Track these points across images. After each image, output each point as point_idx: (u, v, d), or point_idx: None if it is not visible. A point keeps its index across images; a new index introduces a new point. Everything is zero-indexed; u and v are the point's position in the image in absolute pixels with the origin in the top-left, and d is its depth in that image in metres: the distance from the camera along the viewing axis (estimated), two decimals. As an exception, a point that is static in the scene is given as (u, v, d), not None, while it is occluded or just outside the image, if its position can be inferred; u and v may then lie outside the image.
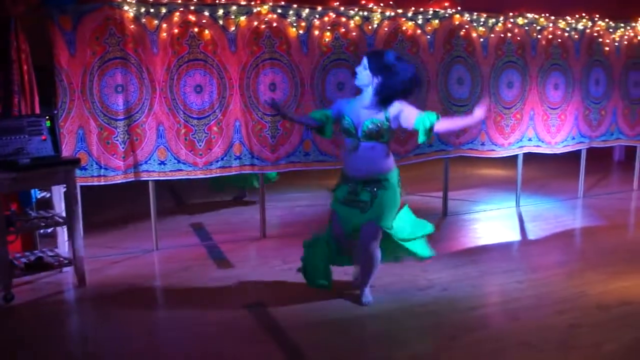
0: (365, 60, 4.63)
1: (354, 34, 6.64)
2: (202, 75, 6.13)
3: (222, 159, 6.36)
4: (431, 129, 4.58)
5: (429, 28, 7.02)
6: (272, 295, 5.17)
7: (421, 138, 4.65)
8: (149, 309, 4.99)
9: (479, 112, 4.66)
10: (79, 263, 5.38)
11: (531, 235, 6.97)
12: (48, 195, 5.81)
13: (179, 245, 6.52)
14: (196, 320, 4.71)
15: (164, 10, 5.93)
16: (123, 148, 6.00)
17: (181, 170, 6.24)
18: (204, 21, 6.07)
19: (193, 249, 6.44)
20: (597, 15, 8.28)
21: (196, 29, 6.04)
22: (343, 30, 6.59)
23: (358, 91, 4.79)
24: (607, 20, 8.35)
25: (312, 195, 8.71)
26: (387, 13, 6.80)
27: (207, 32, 6.08)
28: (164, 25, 5.93)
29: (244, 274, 5.67)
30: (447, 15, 7.14)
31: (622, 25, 8.49)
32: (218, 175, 6.50)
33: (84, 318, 5.01)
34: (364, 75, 4.62)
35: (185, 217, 7.70)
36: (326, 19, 6.53)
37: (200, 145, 6.25)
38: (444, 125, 4.74)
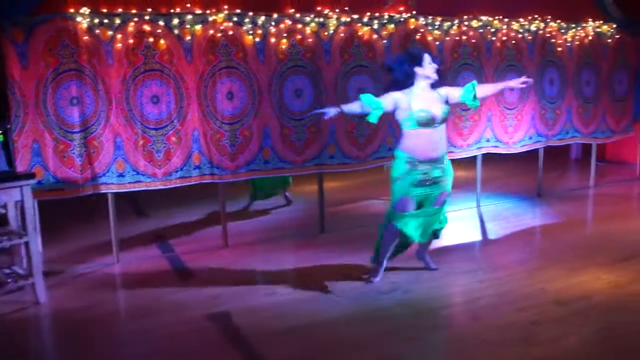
0: (429, 56, 5.21)
1: (310, 40, 6.65)
2: (158, 86, 6.09)
3: (181, 169, 6.32)
4: (475, 95, 5.20)
5: (385, 33, 7.08)
6: (236, 305, 5.14)
7: (473, 103, 5.27)
8: (111, 324, 4.92)
9: (516, 81, 5.21)
10: (37, 279, 5.28)
11: (491, 235, 7.06)
12: (3, 211, 5.70)
13: (140, 258, 6.45)
14: (159, 333, 4.66)
15: (118, 21, 5.88)
16: (80, 161, 5.93)
17: (140, 181, 6.19)
18: (159, 31, 6.04)
19: (155, 261, 6.38)
20: (549, 17, 8.44)
21: (151, 39, 6.00)
22: (299, 37, 6.61)
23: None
24: (559, 21, 8.52)
25: (274, 202, 8.71)
26: (343, 19, 6.83)
27: (162, 42, 6.05)
28: (119, 36, 5.89)
29: (207, 284, 5.63)
30: (402, 19, 7.20)
31: (573, 26, 8.66)
32: (190, 184, 6.44)
33: (42, 336, 4.91)
34: (432, 68, 5.18)
35: (147, 228, 7.63)
36: (282, 26, 6.54)
37: (159, 156, 6.20)
38: (482, 90, 5.30)
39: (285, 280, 5.65)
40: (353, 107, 5.25)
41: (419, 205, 5.36)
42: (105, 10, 5.87)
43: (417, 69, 5.19)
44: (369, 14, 7.02)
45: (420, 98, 5.17)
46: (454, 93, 5.29)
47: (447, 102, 5.27)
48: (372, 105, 5.17)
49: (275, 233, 7.30)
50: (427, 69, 5.18)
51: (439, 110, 5.16)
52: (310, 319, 4.82)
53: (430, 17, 7.42)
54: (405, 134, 5.25)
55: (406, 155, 5.24)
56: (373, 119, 5.25)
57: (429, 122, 5.13)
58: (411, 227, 5.30)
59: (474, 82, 5.27)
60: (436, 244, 6.68)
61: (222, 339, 4.57)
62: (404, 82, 5.25)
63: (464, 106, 7.60)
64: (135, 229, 7.59)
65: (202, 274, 5.92)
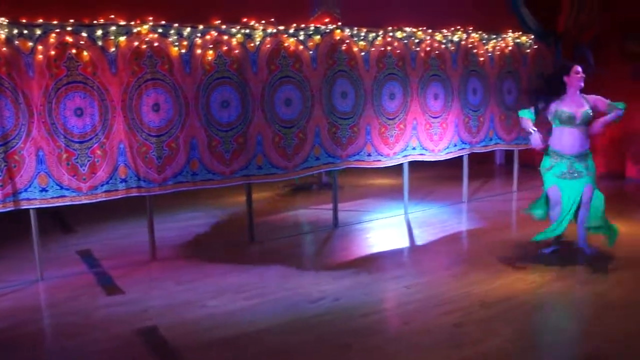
0: (577, 67, 6.08)
1: (236, 51, 6.66)
2: (82, 98, 5.98)
3: (107, 182, 6.22)
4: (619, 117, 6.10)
5: (311, 44, 7.15)
6: (166, 318, 5.09)
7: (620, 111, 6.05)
8: (37, 344, 4.77)
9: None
10: (-44, 299, 5.10)
11: (419, 241, 7.20)
12: None
13: (65, 274, 6.29)
14: (89, 350, 4.57)
15: (38, 32, 5.76)
16: (0, 176, 5.76)
17: (64, 196, 6.06)
18: (82, 42, 5.94)
19: (81, 277, 6.23)
20: (471, 28, 8.69)
21: (74, 51, 5.90)
22: (225, 48, 6.61)
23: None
24: (480, 32, 8.79)
25: (203, 214, 8.67)
26: (269, 30, 6.87)
27: (85, 53, 5.95)
28: (40, 47, 5.76)
29: (135, 299, 5.55)
30: (328, 30, 7.29)
31: (494, 37, 8.95)
32: (116, 198, 6.34)
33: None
34: (579, 78, 6.08)
35: (72, 243, 7.46)
36: (208, 37, 6.53)
37: (83, 170, 6.08)
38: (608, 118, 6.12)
39: (215, 292, 5.62)
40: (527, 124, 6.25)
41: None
42: (25, 21, 5.74)
43: (566, 78, 6.09)
44: (295, 25, 7.09)
45: (566, 101, 6.07)
46: (601, 105, 6.09)
47: (591, 108, 6.04)
48: (531, 118, 6.22)
49: (204, 245, 7.25)
50: (574, 78, 6.05)
51: (580, 112, 5.97)
52: (240, 330, 4.81)
53: (355, 28, 7.54)
54: (552, 132, 6.22)
55: (552, 150, 6.18)
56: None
57: (570, 122, 6.00)
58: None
59: (623, 104, 6.04)
60: (365, 251, 6.81)
61: (153, 354, 4.51)
62: (558, 89, 6.15)
63: (391, 115, 7.78)
64: (60, 244, 7.40)
65: (130, 289, 5.82)
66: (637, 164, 10.22)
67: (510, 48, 9.16)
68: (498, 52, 9.00)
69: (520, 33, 9.34)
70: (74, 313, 5.28)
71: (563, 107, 6.06)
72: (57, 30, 5.82)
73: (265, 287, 5.71)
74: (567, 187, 6.13)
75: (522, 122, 6.32)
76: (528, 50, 9.40)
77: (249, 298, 5.44)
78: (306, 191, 10.20)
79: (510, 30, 9.23)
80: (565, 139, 6.09)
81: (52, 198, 6.00)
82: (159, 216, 7.59)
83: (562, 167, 6.12)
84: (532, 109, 6.26)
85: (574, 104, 6.05)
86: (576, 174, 6.09)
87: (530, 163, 11.67)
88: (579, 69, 6.10)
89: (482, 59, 8.82)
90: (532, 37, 9.43)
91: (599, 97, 6.15)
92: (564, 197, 6.17)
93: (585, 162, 6.10)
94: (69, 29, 5.87)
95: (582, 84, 6.10)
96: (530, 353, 4.37)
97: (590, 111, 6.03)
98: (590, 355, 4.31)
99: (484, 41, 8.85)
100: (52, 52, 5.81)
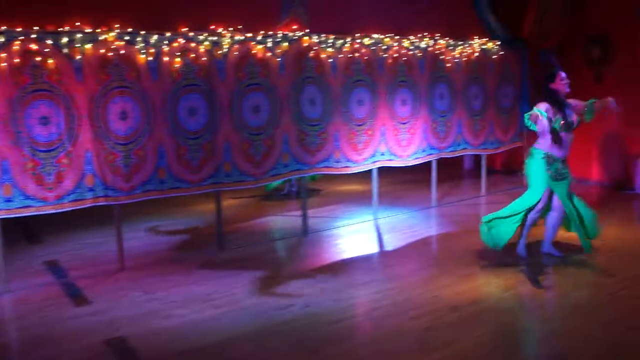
0: (564, 75, 6.31)
1: (204, 59, 6.65)
2: (47, 106, 5.91)
3: (74, 191, 6.14)
4: (593, 109, 6.28)
5: (279, 51, 7.16)
6: (133, 328, 5.04)
7: (588, 117, 6.33)
8: (4, 358, 4.70)
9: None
10: None
11: (388, 246, 7.24)
12: None
13: (32, 286, 6.19)
14: (54, 362, 4.52)
15: (2, 39, 5.67)
16: (-36, 186, 5.67)
17: (30, 206, 5.96)
18: (47, 50, 5.86)
19: (48, 288, 6.14)
20: (438, 34, 8.78)
21: (39, 58, 5.82)
22: (193, 55, 6.59)
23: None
24: (447, 38, 8.88)
25: (171, 222, 8.60)
26: (237, 37, 6.86)
27: (51, 61, 5.88)
28: (3, 55, 5.67)
29: (104, 310, 5.49)
30: (295, 37, 7.31)
31: (460, 43, 9.05)
32: (84, 207, 6.26)
33: None
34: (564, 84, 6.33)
35: (39, 254, 7.33)
36: (175, 44, 6.50)
37: (49, 179, 6.00)
38: (597, 104, 6.32)
39: (184, 301, 5.59)
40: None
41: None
42: (-13, 29, 5.67)
43: (552, 86, 6.29)
44: (262, 32, 7.09)
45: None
46: (580, 106, 6.33)
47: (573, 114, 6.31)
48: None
49: (173, 253, 7.20)
50: (559, 85, 6.28)
51: (575, 118, 6.30)
52: (209, 339, 4.79)
53: (323, 35, 7.57)
54: (545, 136, 6.33)
55: (547, 154, 6.31)
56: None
57: (569, 128, 6.28)
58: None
59: (593, 102, 6.29)
60: (334, 257, 6.82)
61: (120, 364, 4.48)
62: (552, 97, 6.30)
63: (359, 121, 7.82)
64: (26, 255, 7.27)
65: (98, 299, 5.75)
66: (600, 167, 10.38)
67: (476, 54, 9.27)
68: (465, 58, 9.11)
69: (487, 39, 9.47)
70: (41, 325, 5.20)
71: (566, 114, 6.23)
72: (21, 37, 5.74)
73: (235, 295, 5.69)
74: (557, 188, 6.32)
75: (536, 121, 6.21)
76: (494, 56, 9.52)
77: (218, 306, 5.42)
78: (278, 198, 10.17)
79: (477, 37, 9.35)
80: (559, 144, 6.26)
81: (17, 208, 5.90)
82: (128, 225, 7.53)
83: (554, 169, 6.29)
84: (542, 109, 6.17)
85: (569, 111, 6.26)
86: (562, 176, 6.31)
87: (499, 168, 11.89)
88: (564, 74, 6.30)
89: (449, 65, 8.90)
90: (498, 43, 9.55)
91: (575, 100, 6.37)
92: (559, 197, 6.35)
93: (567, 165, 6.39)
94: (33, 36, 5.80)
95: (568, 90, 6.32)
96: (498, 355, 4.42)
97: (579, 118, 6.32)
98: (555, 356, 4.38)
99: (450, 47, 8.94)
100: (17, 60, 5.72)
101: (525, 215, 6.47)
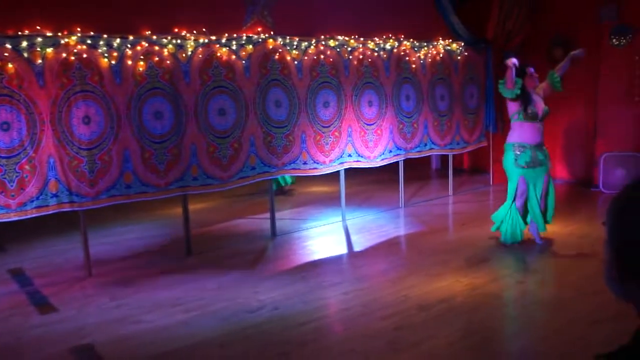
0: (532, 70, 6.75)
1: (168, 62, 6.59)
2: (8, 112, 5.80)
3: (37, 198, 6.05)
4: (554, 78, 6.88)
5: (244, 53, 7.13)
6: (101, 335, 4.97)
7: (558, 87, 6.91)
8: (-37, 366, 4.62)
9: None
10: None
11: (357, 247, 7.25)
12: None
13: (-5, 294, 6.10)
14: (17, 371, 4.44)
15: (-41, 45, 5.58)
16: None
17: (-8, 213, 5.86)
18: (6, 54, 5.77)
19: (12, 297, 6.02)
20: (403, 36, 8.83)
21: (-2, 63, 5.73)
22: (157, 58, 6.53)
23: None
24: (411, 40, 8.93)
25: (139, 227, 8.52)
26: (201, 40, 6.82)
27: (10, 65, 5.78)
28: (-39, 61, 5.58)
29: (70, 317, 5.40)
30: (260, 40, 7.29)
31: (425, 44, 9.12)
32: (48, 214, 6.15)
33: None
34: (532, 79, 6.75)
35: (2, 262, 7.18)
36: (139, 48, 6.44)
37: (11, 186, 5.90)
38: (558, 71, 6.92)
39: (151, 307, 5.54)
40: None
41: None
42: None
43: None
44: (227, 35, 7.06)
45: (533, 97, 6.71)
46: (546, 87, 6.89)
47: (545, 98, 6.81)
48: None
49: (140, 259, 7.12)
50: (528, 79, 6.69)
51: (541, 109, 6.69)
52: (178, 344, 4.74)
53: (288, 37, 7.56)
54: (512, 127, 6.82)
55: (514, 144, 6.72)
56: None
57: (535, 117, 6.66)
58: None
59: (553, 71, 6.89)
60: (303, 259, 6.81)
61: (86, 372, 4.42)
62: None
63: (326, 123, 7.83)
64: (-11, 264, 7.16)
65: (65, 307, 5.66)
66: (565, 165, 10.54)
67: (441, 55, 9.35)
68: (430, 60, 9.18)
69: (451, 40, 9.55)
70: (5, 334, 5.10)
71: (534, 101, 6.68)
72: (-20, 42, 5.66)
73: (203, 299, 5.65)
74: (532, 176, 6.68)
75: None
76: (459, 57, 9.61)
77: (187, 311, 5.37)
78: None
79: (441, 38, 9.43)
80: (527, 132, 6.67)
81: (-21, 216, 5.80)
82: (94, 231, 7.43)
83: (526, 156, 6.64)
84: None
85: (537, 99, 6.71)
86: (538, 162, 6.66)
87: (466, 167, 12.00)
88: (532, 70, 6.75)
89: (414, 66, 8.96)
90: (462, 44, 9.65)
91: (541, 84, 6.89)
92: (530, 185, 6.71)
93: (543, 152, 6.75)
94: (-8, 41, 5.71)
95: (537, 83, 6.80)
96: (467, 353, 4.45)
97: (547, 107, 6.73)
98: (523, 353, 4.43)
99: (415, 49, 9.00)
100: (-25, 65, 5.64)
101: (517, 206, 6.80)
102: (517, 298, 5.49)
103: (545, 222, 6.87)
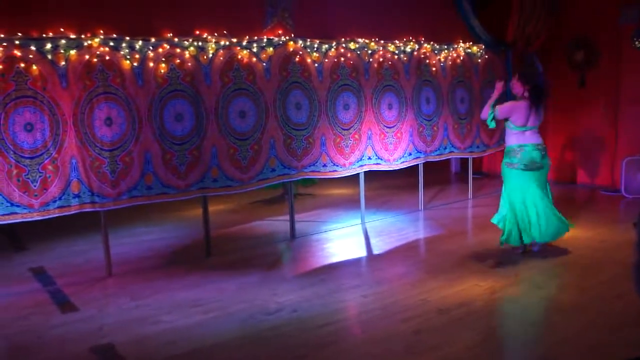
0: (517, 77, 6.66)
1: (189, 64, 6.63)
2: (32, 113, 5.88)
3: (59, 198, 6.11)
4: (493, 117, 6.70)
5: (264, 55, 7.16)
6: (121, 335, 5.01)
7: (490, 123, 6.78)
8: (-15, 365, 4.68)
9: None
10: None
11: (376, 250, 7.24)
12: None
13: (18, 293, 6.15)
14: (39, 370, 4.49)
15: (-15, 46, 5.65)
16: (-52, 194, 5.62)
17: (15, 213, 5.92)
18: (30, 56, 5.84)
19: (34, 295, 6.09)
20: (423, 38, 8.81)
21: (23, 64, 5.80)
22: (178, 61, 6.58)
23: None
24: (432, 42, 8.91)
25: (159, 228, 8.58)
26: (222, 42, 6.86)
27: (35, 67, 5.86)
28: (-14, 62, 5.65)
29: (91, 317, 5.45)
30: (281, 42, 7.31)
31: (445, 47, 9.09)
32: (70, 214, 6.22)
33: None
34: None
35: (25, 261, 7.28)
36: (160, 50, 6.49)
37: (35, 186, 5.97)
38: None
39: (171, 307, 5.57)
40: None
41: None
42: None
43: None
44: (247, 37, 7.09)
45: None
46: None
47: None
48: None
49: (160, 259, 7.17)
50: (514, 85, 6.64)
51: None
52: (197, 345, 4.77)
53: (308, 39, 7.58)
54: (507, 133, 6.73)
55: (512, 147, 6.63)
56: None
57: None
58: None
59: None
60: (322, 261, 6.81)
61: (106, 371, 4.46)
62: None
63: (345, 125, 7.83)
64: (12, 262, 7.24)
65: (85, 306, 5.72)
66: (586, 169, 10.45)
67: (461, 58, 9.32)
68: (450, 62, 9.15)
69: (471, 43, 9.52)
70: (27, 332, 5.16)
71: None
72: (5, 43, 5.72)
73: (222, 300, 5.68)
74: (532, 179, 6.53)
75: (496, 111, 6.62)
76: (479, 60, 9.57)
77: (205, 312, 5.40)
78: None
79: (461, 41, 9.40)
80: (524, 134, 6.54)
81: (3, 215, 5.86)
82: (115, 231, 7.50)
83: (525, 156, 6.51)
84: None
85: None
86: (538, 165, 6.52)
87: (485, 171, 11.95)
88: (516, 77, 6.68)
89: (434, 69, 8.94)
90: (483, 46, 9.61)
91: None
92: (531, 188, 6.53)
93: (542, 154, 6.56)
94: (17, 42, 5.77)
95: (519, 90, 6.59)
96: (486, 358, 4.42)
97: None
98: (541, 358, 4.38)
99: (435, 51, 8.98)
100: (0, 66, 5.70)
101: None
102: (537, 302, 5.44)
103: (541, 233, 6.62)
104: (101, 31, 6.23)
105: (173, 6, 6.90)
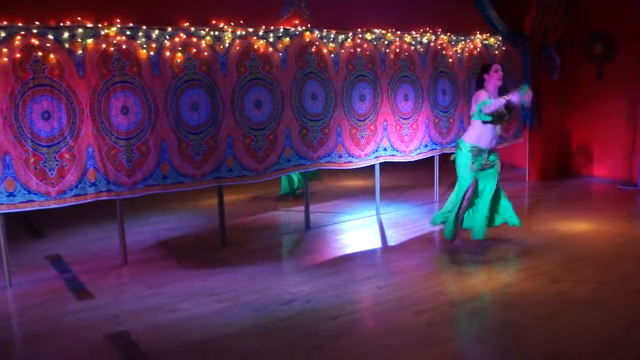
0: (499, 67, 6.50)
1: (205, 53, 6.64)
2: (49, 101, 5.90)
3: (76, 186, 6.14)
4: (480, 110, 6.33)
5: (281, 45, 7.15)
6: (136, 322, 5.04)
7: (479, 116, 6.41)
8: (6, 352, 4.70)
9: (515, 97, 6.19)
10: None
11: (391, 242, 7.23)
12: None
13: (34, 280, 6.21)
14: (58, 356, 4.52)
15: (3, 34, 5.66)
16: (-34, 181, 5.67)
17: (33, 201, 5.96)
18: (48, 45, 5.86)
19: (50, 283, 6.15)
20: (440, 29, 8.76)
21: (40, 53, 5.82)
22: (195, 50, 6.58)
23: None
24: (449, 33, 8.86)
25: (175, 217, 8.62)
26: (239, 32, 6.85)
27: (52, 56, 5.87)
28: (5, 50, 5.66)
29: (106, 304, 5.49)
30: (297, 32, 7.30)
31: (462, 38, 9.03)
32: (86, 202, 6.27)
33: None
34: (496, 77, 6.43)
35: (41, 249, 7.34)
36: (177, 39, 6.49)
37: (52, 174, 6.00)
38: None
39: (186, 296, 5.60)
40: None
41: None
42: (-12, 23, 5.65)
43: (485, 76, 6.47)
44: (264, 27, 7.08)
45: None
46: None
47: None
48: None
49: (175, 248, 7.21)
50: (492, 76, 6.43)
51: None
52: (211, 333, 4.79)
53: (325, 30, 7.55)
54: (474, 125, 6.51)
55: (473, 146, 6.48)
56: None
57: (494, 119, 6.40)
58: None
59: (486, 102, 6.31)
60: (337, 252, 6.81)
61: (124, 359, 4.47)
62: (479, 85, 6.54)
63: (361, 116, 7.82)
64: (29, 250, 7.30)
65: (101, 294, 5.76)
66: (603, 163, 10.37)
67: (478, 49, 9.26)
68: (466, 54, 9.10)
69: (488, 34, 9.45)
70: (43, 319, 5.21)
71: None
72: (22, 32, 5.74)
73: (236, 290, 5.70)
74: (484, 177, 6.56)
75: (495, 104, 6.22)
76: (496, 52, 9.50)
77: (220, 301, 5.42)
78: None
79: (478, 32, 9.33)
80: (489, 134, 6.43)
81: (20, 203, 5.91)
82: (130, 220, 7.55)
83: (481, 160, 6.48)
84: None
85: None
86: (490, 164, 6.53)
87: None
88: (498, 67, 6.51)
89: (450, 60, 8.89)
90: (500, 38, 9.53)
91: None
92: (480, 185, 6.61)
93: (495, 154, 6.60)
94: (34, 31, 5.79)
95: (501, 83, 6.45)
96: (498, 352, 4.42)
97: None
98: (555, 353, 4.36)
99: (452, 43, 8.92)
100: (18, 55, 5.72)
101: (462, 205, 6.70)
102: (551, 296, 5.40)
103: (490, 225, 6.79)
104: (118, 20, 6.23)
105: (190, -5, 6.92)
